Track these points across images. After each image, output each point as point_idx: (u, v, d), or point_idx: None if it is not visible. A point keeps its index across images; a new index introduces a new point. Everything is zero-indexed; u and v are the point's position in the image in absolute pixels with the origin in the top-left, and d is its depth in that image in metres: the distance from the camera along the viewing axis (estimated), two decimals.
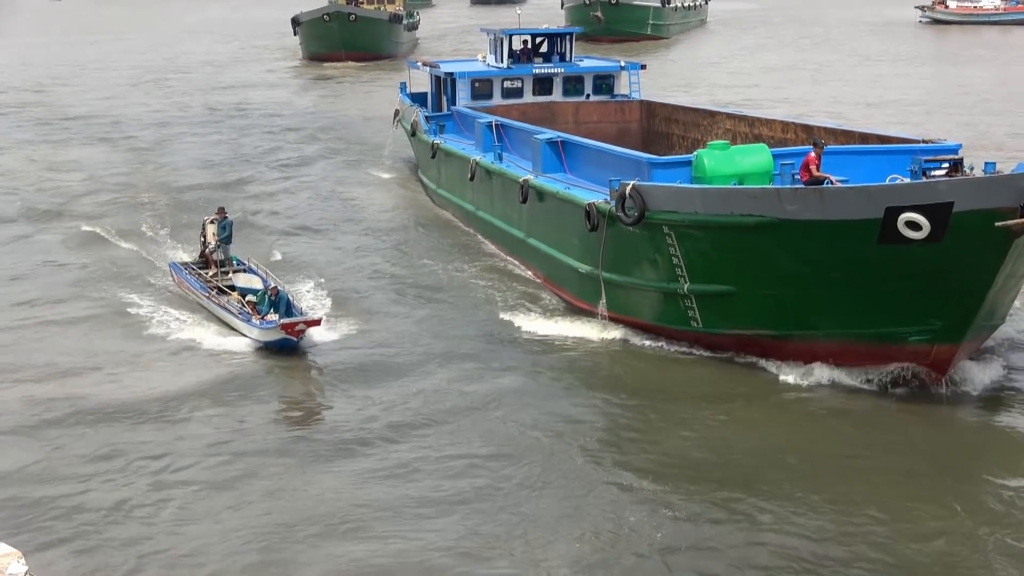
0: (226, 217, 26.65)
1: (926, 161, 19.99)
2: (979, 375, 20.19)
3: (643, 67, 36.59)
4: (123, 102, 64.15)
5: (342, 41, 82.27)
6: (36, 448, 18.40)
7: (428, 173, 36.49)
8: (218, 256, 26.00)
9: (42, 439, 18.71)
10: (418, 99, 39.50)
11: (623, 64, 36.39)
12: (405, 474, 17.33)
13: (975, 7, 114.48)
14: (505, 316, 24.82)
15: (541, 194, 26.12)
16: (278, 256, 29.71)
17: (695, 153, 23.00)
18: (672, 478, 17.13)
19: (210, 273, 25.65)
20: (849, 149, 23.12)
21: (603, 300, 23.69)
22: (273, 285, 23.11)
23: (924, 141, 24.06)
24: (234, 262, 26.37)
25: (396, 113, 42.34)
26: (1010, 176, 18.11)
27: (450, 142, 33.58)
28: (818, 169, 20.57)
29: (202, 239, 26.80)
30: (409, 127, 38.80)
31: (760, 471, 17.43)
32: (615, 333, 23.32)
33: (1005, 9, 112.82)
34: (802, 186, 20.18)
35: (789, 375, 20.64)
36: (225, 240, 26.21)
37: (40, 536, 15.53)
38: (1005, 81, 66.45)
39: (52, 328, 24.27)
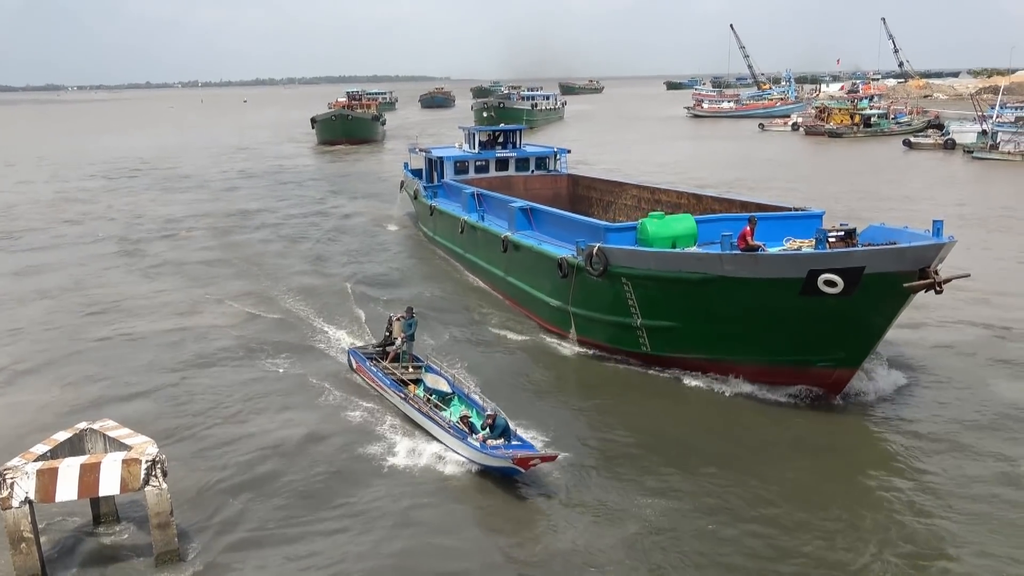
0: (412, 316, 17.64)
1: (827, 231, 15.20)
2: (863, 387, 15.73)
3: (568, 151, 31.18)
4: (210, 165, 62.15)
5: (342, 131, 76.73)
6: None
7: (427, 225, 30.92)
8: (400, 350, 17.10)
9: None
10: (416, 173, 33.59)
11: (556, 149, 30.79)
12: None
13: (718, 107, 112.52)
14: (502, 330, 20.44)
15: (518, 247, 21.04)
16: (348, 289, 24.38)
17: (639, 221, 18.05)
18: (624, 454, 13.79)
19: (388, 360, 17.01)
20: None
21: (573, 327, 18.81)
22: (491, 412, 13.45)
23: (795, 209, 19.39)
24: (414, 359, 17.23)
25: (401, 184, 36.31)
26: (910, 248, 13.85)
27: (443, 205, 28.10)
28: (752, 238, 15.66)
29: (387, 332, 17.62)
30: (412, 193, 33.44)
31: (686, 450, 13.88)
32: (583, 350, 18.58)
33: (736, 108, 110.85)
34: (739, 252, 15.30)
35: (713, 386, 16.18)
36: (409, 337, 17.33)
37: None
38: (732, 150, 66.48)
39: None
